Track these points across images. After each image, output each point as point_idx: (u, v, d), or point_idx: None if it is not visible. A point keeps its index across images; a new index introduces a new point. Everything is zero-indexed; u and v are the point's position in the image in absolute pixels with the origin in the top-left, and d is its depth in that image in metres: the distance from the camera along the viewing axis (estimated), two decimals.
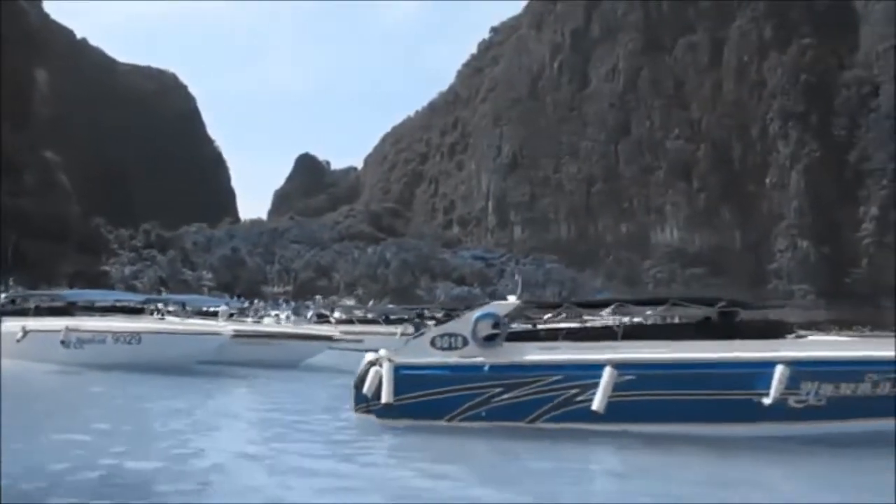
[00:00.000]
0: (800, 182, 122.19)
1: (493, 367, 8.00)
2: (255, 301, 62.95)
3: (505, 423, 7.83)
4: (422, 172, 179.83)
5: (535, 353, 8.03)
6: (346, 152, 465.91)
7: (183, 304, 22.89)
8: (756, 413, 7.21)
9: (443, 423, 8.06)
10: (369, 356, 8.80)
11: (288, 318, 30.40)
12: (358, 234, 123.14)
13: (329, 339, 20.61)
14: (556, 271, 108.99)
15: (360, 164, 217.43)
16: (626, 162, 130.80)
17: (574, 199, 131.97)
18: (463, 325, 8.39)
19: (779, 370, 7.12)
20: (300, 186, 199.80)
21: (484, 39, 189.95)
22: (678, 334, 8.04)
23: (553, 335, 8.76)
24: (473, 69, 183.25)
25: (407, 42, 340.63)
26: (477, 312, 8.51)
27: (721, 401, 7.35)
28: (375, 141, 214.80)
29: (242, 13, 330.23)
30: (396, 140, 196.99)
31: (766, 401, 7.09)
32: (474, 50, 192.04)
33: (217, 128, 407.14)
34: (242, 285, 70.25)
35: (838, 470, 6.83)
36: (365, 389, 8.40)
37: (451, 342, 8.27)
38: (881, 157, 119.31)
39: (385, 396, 8.21)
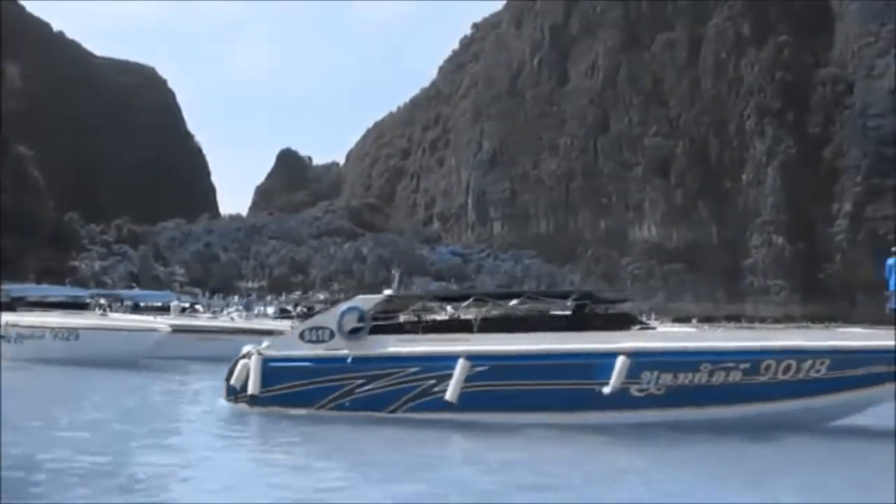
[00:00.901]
0: (775, 179, 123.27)
1: (355, 359, 8.25)
2: (229, 297, 62.91)
3: (367, 413, 8.09)
4: (403, 168, 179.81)
5: (395, 346, 8.28)
6: (328, 148, 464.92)
7: (121, 300, 22.95)
8: (598, 402, 7.49)
9: (308, 412, 8.30)
10: (245, 349, 9.02)
11: (239, 313, 30.50)
12: (337, 229, 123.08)
13: (270, 333, 20.79)
14: (534, 267, 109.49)
15: (342, 160, 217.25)
16: (605, 158, 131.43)
17: (553, 194, 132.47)
18: (330, 318, 8.66)
19: (619, 361, 7.40)
20: (281, 182, 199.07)
21: (465, 36, 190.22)
22: (534, 326, 8.30)
23: (416, 328, 8.99)
24: (455, 65, 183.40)
25: (389, 37, 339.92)
26: (343, 306, 8.77)
27: (566, 390, 7.63)
28: (357, 137, 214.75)
29: (224, 7, 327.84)
30: (378, 136, 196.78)
31: (606, 390, 7.38)
32: (456, 46, 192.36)
33: (198, 123, 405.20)
34: (216, 281, 70.04)
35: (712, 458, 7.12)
36: (233, 381, 8.64)
37: (319, 335, 8.53)
38: (855, 155, 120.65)
39: (252, 388, 8.45)
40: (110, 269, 65.44)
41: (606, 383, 7.40)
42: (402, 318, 9.35)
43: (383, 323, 8.87)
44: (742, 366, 7.40)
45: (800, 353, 7.48)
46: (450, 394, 7.73)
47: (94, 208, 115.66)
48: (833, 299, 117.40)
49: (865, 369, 7.45)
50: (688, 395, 7.46)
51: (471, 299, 8.96)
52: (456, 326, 8.79)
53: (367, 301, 8.84)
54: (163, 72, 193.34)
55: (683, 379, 7.46)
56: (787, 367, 7.40)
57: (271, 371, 8.47)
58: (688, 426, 7.49)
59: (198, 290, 67.08)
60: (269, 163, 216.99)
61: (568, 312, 8.64)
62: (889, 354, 7.53)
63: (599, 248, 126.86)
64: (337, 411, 8.23)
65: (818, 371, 7.42)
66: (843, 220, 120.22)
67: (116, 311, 22.52)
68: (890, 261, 12.11)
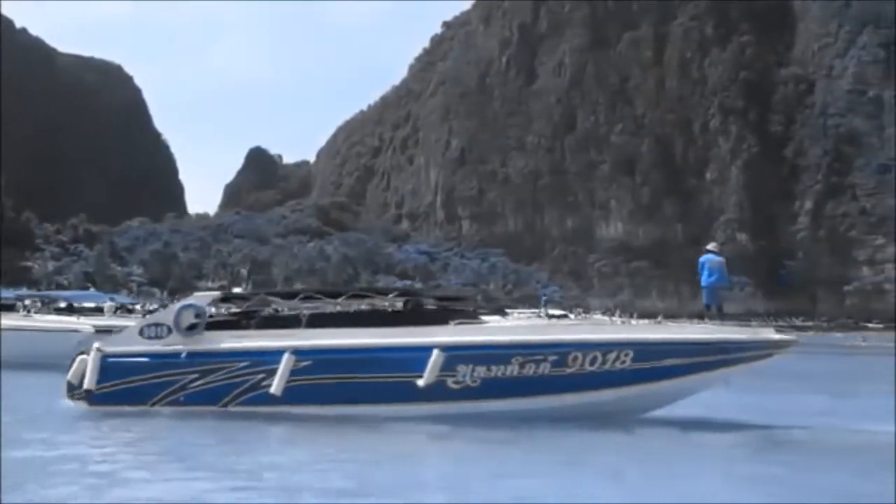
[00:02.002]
0: (739, 177, 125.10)
1: (189, 355, 8.36)
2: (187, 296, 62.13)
3: (201, 407, 8.19)
4: (374, 167, 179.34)
5: (228, 341, 8.39)
6: (298, 146, 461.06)
7: (43, 300, 22.75)
8: (416, 394, 7.67)
9: (145, 407, 8.38)
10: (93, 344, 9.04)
11: None
12: (304, 228, 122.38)
13: None
14: (500, 265, 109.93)
15: (312, 159, 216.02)
16: (572, 156, 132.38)
17: (521, 193, 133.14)
18: (168, 315, 8.78)
19: (434, 355, 7.59)
20: (251, 181, 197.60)
21: (436, 34, 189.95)
22: (363, 322, 8.47)
23: (251, 324, 9.09)
24: (425, 63, 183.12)
25: (361, 36, 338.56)
26: (180, 304, 8.88)
27: (386, 383, 7.82)
28: (328, 135, 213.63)
29: (194, 6, 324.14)
30: (349, 134, 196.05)
31: (420, 383, 7.58)
32: (427, 44, 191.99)
33: (166, 122, 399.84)
34: (175, 281, 69.28)
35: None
36: (70, 377, 8.66)
37: (157, 331, 8.62)
38: (815, 153, 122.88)
39: (88, 383, 8.48)
40: (65, 270, 64.46)
41: (421, 376, 7.59)
42: (239, 314, 9.45)
43: (220, 319, 8.98)
44: (551, 358, 7.63)
45: (605, 346, 7.73)
46: (275, 387, 7.88)
47: (56, 208, 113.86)
48: (794, 295, 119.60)
49: (670, 361, 7.71)
50: (501, 387, 7.68)
51: (300, 296, 9.13)
52: (290, 322, 8.91)
53: (203, 298, 9.01)
54: (130, 69, 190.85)
55: (496, 371, 7.69)
56: (594, 359, 7.66)
57: (109, 367, 8.53)
58: (503, 417, 7.68)
59: (156, 290, 66.40)
60: (239, 161, 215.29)
61: (397, 309, 8.83)
62: (692, 347, 7.80)
63: (566, 246, 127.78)
64: (172, 406, 8.32)
65: (623, 363, 7.68)
66: (804, 218, 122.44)
67: (42, 313, 22.32)
68: (702, 258, 12.42)
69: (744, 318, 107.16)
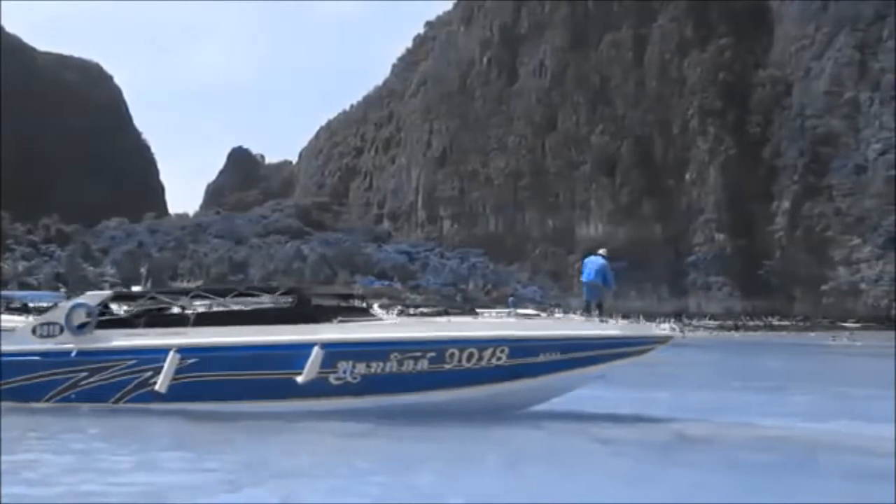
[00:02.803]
0: (717, 177, 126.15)
1: (80, 353, 8.38)
2: None
3: (92, 404, 8.21)
4: (356, 166, 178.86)
5: (117, 340, 8.39)
6: (281, 146, 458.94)
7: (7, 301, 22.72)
8: (297, 391, 7.74)
9: (39, 405, 8.36)
10: None
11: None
12: (285, 228, 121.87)
13: None
14: (480, 265, 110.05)
15: (295, 158, 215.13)
16: (553, 157, 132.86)
17: (502, 193, 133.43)
18: (59, 314, 8.77)
19: (314, 352, 7.66)
20: (233, 180, 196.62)
21: (419, 34, 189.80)
22: (251, 320, 8.51)
23: (151, 322, 9.06)
24: (408, 63, 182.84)
25: (344, 35, 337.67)
26: (71, 302, 8.89)
27: (268, 380, 7.89)
28: (311, 134, 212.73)
29: (175, 5, 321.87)
30: (331, 134, 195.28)
31: (300, 379, 7.66)
32: (410, 44, 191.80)
33: (146, 120, 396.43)
34: (147, 281, 68.73)
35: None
36: None
37: (49, 330, 8.61)
38: (792, 154, 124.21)
39: None
40: (35, 270, 63.82)
41: (300, 373, 7.65)
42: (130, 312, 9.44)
43: (111, 318, 8.97)
44: (429, 354, 7.73)
45: (481, 343, 7.81)
46: (160, 385, 7.91)
47: (33, 208, 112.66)
48: (772, 294, 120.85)
49: (546, 357, 7.79)
50: (381, 383, 7.79)
51: (191, 294, 9.17)
52: (178, 321, 8.91)
53: (94, 297, 9.07)
54: (109, 68, 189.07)
55: (376, 368, 7.79)
56: (470, 356, 7.76)
57: (2, 365, 8.50)
58: (383, 413, 7.74)
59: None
60: (221, 161, 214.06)
61: (284, 306, 8.88)
62: (568, 343, 7.88)
63: (547, 246, 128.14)
64: (64, 404, 8.32)
65: (499, 359, 7.78)
66: (781, 218, 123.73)
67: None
68: (585, 259, 12.78)
69: (722, 317, 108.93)
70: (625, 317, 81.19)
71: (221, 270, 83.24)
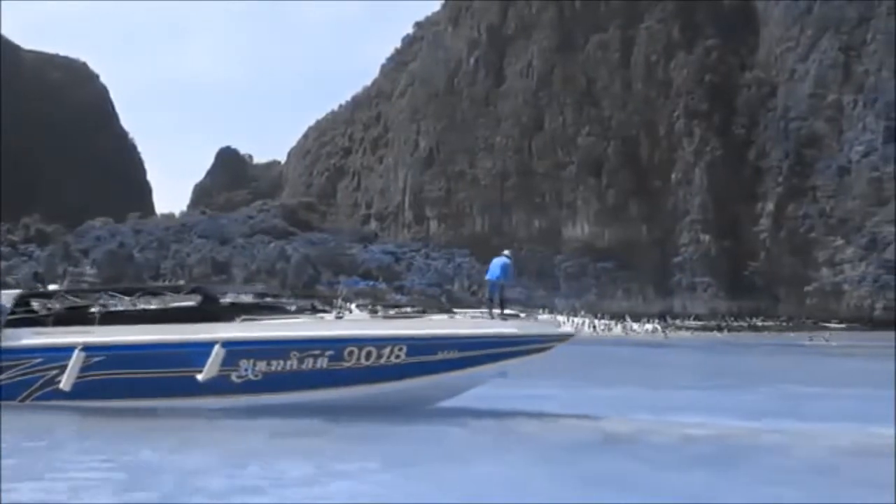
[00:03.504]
0: (703, 179, 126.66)
1: None
2: None
3: (3, 402, 8.18)
4: (344, 167, 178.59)
5: (25, 338, 8.38)
6: (270, 146, 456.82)
7: None
8: (200, 388, 7.75)
9: None
10: None
11: None
12: (270, 228, 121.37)
13: None
14: (465, 265, 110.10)
15: (284, 158, 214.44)
16: (539, 157, 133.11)
17: (488, 193, 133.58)
18: None
19: (215, 350, 7.68)
20: (221, 180, 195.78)
21: (408, 34, 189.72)
22: (156, 319, 8.52)
23: (59, 320, 9.05)
24: (397, 63, 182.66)
25: (333, 35, 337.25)
26: None
27: (170, 378, 7.90)
28: (300, 134, 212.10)
29: (164, 4, 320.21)
30: (320, 134, 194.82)
31: (200, 377, 7.68)
32: (399, 44, 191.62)
33: (134, 120, 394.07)
34: (129, 281, 68.39)
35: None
36: None
37: None
38: (777, 156, 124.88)
39: None
40: (14, 269, 63.38)
41: (201, 371, 7.67)
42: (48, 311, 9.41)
43: (21, 317, 8.95)
44: (328, 353, 7.81)
45: (379, 341, 7.88)
46: (64, 383, 7.92)
47: (18, 207, 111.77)
48: (757, 295, 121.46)
49: (444, 355, 7.86)
50: (282, 381, 7.85)
51: (100, 293, 9.18)
52: (86, 319, 8.91)
53: (6, 297, 8.99)
54: (96, 67, 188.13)
55: (276, 366, 7.87)
56: (369, 354, 7.83)
57: None
58: (285, 410, 7.78)
59: None
60: (210, 160, 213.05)
61: (190, 305, 8.90)
62: (466, 341, 7.94)
63: (533, 247, 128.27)
64: None
65: (398, 357, 7.85)
66: (766, 219, 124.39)
67: None
68: (496, 259, 12.91)
69: (707, 318, 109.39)
70: (614, 317, 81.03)
71: (204, 270, 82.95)
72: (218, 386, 7.79)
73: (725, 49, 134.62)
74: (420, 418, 8.85)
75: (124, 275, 72.69)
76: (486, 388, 16.18)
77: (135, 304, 9.18)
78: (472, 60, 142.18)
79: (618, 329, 72.82)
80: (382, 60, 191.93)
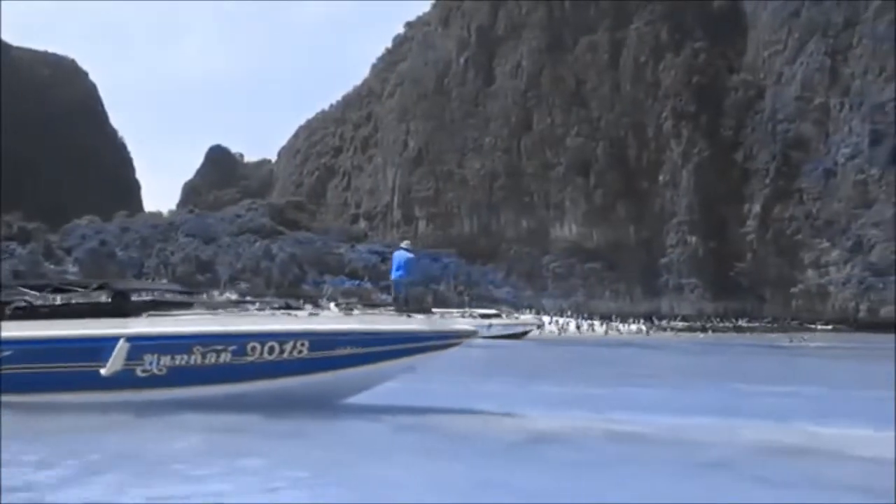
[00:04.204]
0: (690, 180, 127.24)
1: None
2: None
3: None
4: (334, 166, 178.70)
5: None
6: (261, 144, 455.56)
7: None
8: (104, 383, 7.88)
9: None
10: None
11: None
12: (258, 227, 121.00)
13: None
14: (453, 265, 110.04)
15: (274, 157, 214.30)
16: (528, 158, 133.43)
17: (477, 194, 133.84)
18: None
19: (119, 344, 7.81)
20: (210, 179, 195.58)
21: (399, 34, 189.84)
22: (65, 314, 8.64)
23: None
24: (387, 63, 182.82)
25: (325, 34, 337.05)
26: None
27: (77, 372, 8.01)
28: (290, 133, 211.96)
29: (155, 3, 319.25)
30: (310, 133, 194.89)
31: (103, 371, 7.81)
32: (389, 44, 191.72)
33: (123, 117, 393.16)
34: (111, 279, 68.26)
35: None
36: None
37: None
38: (764, 158, 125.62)
39: None
40: None
41: (104, 365, 7.80)
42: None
43: None
44: (230, 347, 7.92)
45: (282, 336, 8.00)
46: None
47: (3, 205, 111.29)
48: (743, 296, 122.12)
49: (347, 350, 7.98)
50: (185, 376, 7.95)
51: (7, 288, 9.25)
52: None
53: None
54: (86, 65, 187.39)
55: (180, 360, 7.95)
56: (271, 349, 7.94)
57: None
58: (190, 404, 7.90)
59: None
60: (200, 159, 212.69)
61: (98, 301, 9.00)
62: (369, 337, 8.06)
63: (521, 247, 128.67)
64: None
65: (300, 352, 7.97)
66: (752, 221, 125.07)
67: None
68: (394, 254, 13.00)
69: (693, 318, 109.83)
70: (602, 318, 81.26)
71: (188, 269, 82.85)
72: (122, 380, 7.92)
73: (713, 51, 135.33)
74: (347, 415, 8.88)
75: (107, 273, 72.48)
76: (440, 383, 16.30)
77: (45, 300, 9.24)
78: (461, 61, 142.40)
79: (601, 329, 73.06)
80: (373, 60, 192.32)
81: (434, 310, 11.67)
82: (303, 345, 7.98)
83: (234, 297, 64.74)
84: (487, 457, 7.54)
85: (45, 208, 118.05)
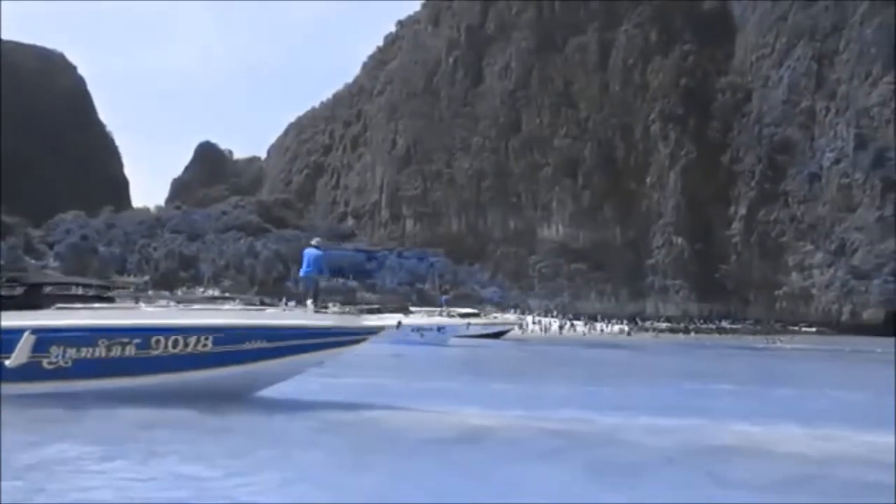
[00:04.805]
0: (677, 182, 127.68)
1: None
2: None
3: None
4: (324, 164, 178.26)
5: None
6: (252, 141, 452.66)
7: None
8: (10, 374, 7.91)
9: None
10: None
11: None
12: (245, 225, 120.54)
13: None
14: (439, 265, 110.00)
15: (264, 155, 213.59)
16: (516, 158, 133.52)
17: (465, 193, 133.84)
18: None
19: (24, 336, 7.84)
20: (200, 176, 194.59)
21: (390, 33, 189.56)
22: None
23: None
24: (378, 61, 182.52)
25: (319, 31, 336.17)
26: None
27: None
28: (281, 131, 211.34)
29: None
30: (300, 130, 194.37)
31: (8, 363, 7.84)
32: (381, 42, 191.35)
33: (113, 113, 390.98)
34: (92, 275, 67.83)
35: None
36: None
37: None
38: (750, 161, 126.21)
39: None
40: None
41: (8, 356, 7.82)
42: None
43: None
44: (135, 341, 7.96)
45: (186, 330, 8.04)
46: None
47: None
48: (728, 298, 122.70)
49: (251, 345, 8.03)
50: (91, 368, 7.97)
51: None
52: None
53: None
54: (77, 60, 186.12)
55: (86, 353, 7.99)
56: (175, 343, 7.98)
57: None
58: (94, 396, 7.93)
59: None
60: (190, 155, 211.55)
61: (9, 294, 9.04)
62: (274, 332, 8.13)
63: (508, 247, 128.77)
64: None
65: (205, 346, 8.02)
66: (738, 223, 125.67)
67: None
68: (304, 251, 13.13)
69: (677, 319, 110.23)
70: (591, 318, 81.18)
71: (170, 265, 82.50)
72: (29, 372, 7.95)
73: (702, 54, 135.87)
74: (266, 408, 8.87)
75: (88, 268, 72.12)
76: (393, 380, 16.35)
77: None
78: (451, 60, 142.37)
79: (582, 329, 73.23)
80: (365, 58, 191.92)
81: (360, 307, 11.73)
82: (207, 339, 8.05)
83: (216, 293, 64.55)
84: (404, 454, 7.62)
85: (31, 203, 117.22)
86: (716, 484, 6.94)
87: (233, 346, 8.07)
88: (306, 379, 14.25)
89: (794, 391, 17.85)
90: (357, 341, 8.78)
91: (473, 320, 48.90)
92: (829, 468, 7.45)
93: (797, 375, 24.28)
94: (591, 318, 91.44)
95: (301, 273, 12.58)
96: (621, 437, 9.29)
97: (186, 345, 8.01)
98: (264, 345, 8.18)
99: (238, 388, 8.44)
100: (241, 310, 9.40)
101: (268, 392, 9.52)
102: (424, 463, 7.28)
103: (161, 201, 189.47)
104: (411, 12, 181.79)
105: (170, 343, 8.02)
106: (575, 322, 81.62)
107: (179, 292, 65.63)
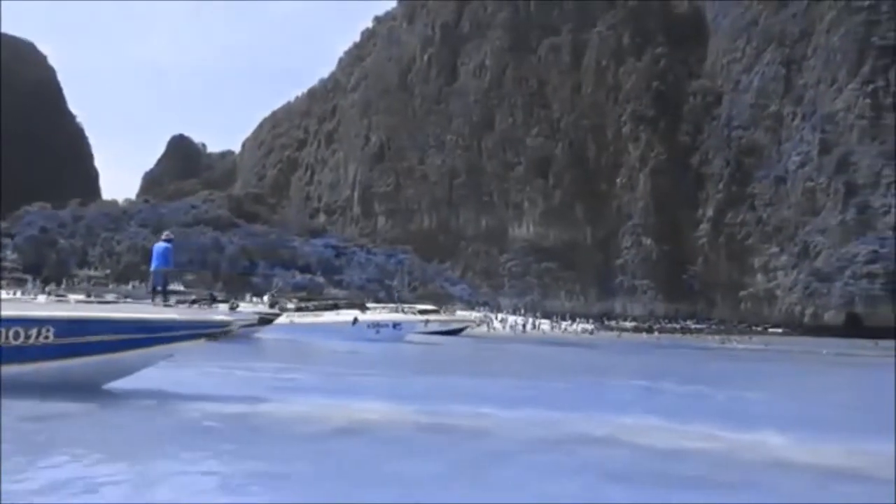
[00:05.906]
0: (647, 183, 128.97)
1: None
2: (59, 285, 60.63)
3: None
4: (298, 159, 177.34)
5: None
6: (225, 135, 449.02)
7: None
8: None
9: None
10: None
11: None
12: (214, 219, 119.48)
13: None
14: (407, 261, 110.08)
15: (238, 149, 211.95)
16: (488, 157, 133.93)
17: (437, 191, 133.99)
18: None
19: None
20: (172, 169, 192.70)
21: (367, 28, 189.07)
22: None
23: None
24: (354, 57, 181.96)
25: (296, 25, 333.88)
26: None
27: None
28: (256, 125, 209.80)
29: None
30: (275, 125, 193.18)
31: None
32: (357, 38, 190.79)
33: (84, 104, 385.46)
34: (52, 267, 66.97)
35: None
36: None
37: None
38: (718, 163, 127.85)
39: None
40: None
41: None
42: None
43: None
44: None
45: (26, 322, 8.08)
46: None
47: None
48: (695, 298, 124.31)
49: (94, 338, 8.10)
50: None
51: None
52: None
53: None
54: (45, 48, 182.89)
55: None
56: (17, 334, 8.01)
57: None
58: None
59: (28, 278, 64.18)
60: (163, 148, 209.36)
61: None
62: (118, 325, 8.20)
63: (479, 245, 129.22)
64: None
65: (46, 338, 8.06)
66: (705, 225, 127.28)
67: None
68: (155, 245, 13.24)
69: (643, 319, 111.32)
70: (562, 318, 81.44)
71: (133, 259, 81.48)
72: None
73: (674, 57, 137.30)
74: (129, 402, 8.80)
75: (47, 261, 71.15)
76: (308, 374, 16.36)
77: None
78: (425, 58, 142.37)
79: (546, 328, 73.73)
80: (340, 54, 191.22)
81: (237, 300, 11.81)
82: (48, 331, 8.09)
83: (180, 288, 63.78)
84: (268, 447, 7.67)
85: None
86: (592, 471, 6.92)
87: (75, 338, 8.12)
88: (213, 370, 14.22)
89: (699, 388, 17.82)
90: (205, 335, 8.85)
91: (432, 317, 49.02)
92: (673, 462, 7.55)
93: (722, 375, 24.67)
94: (560, 317, 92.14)
95: (152, 266, 12.64)
96: (492, 430, 9.30)
97: (28, 336, 8.04)
98: (111, 337, 8.24)
99: (84, 380, 8.48)
100: (87, 302, 9.44)
101: (170, 386, 9.52)
102: (287, 458, 7.27)
103: (131, 194, 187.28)
104: (389, 8, 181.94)
105: (10, 334, 8.05)
106: (541, 321, 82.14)
107: (130, 287, 64.81)
